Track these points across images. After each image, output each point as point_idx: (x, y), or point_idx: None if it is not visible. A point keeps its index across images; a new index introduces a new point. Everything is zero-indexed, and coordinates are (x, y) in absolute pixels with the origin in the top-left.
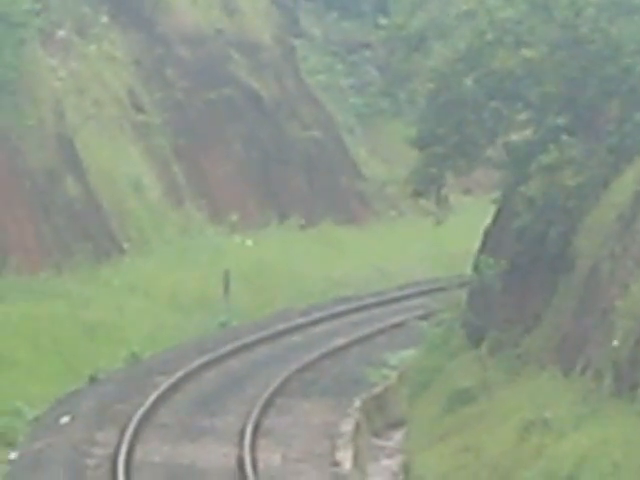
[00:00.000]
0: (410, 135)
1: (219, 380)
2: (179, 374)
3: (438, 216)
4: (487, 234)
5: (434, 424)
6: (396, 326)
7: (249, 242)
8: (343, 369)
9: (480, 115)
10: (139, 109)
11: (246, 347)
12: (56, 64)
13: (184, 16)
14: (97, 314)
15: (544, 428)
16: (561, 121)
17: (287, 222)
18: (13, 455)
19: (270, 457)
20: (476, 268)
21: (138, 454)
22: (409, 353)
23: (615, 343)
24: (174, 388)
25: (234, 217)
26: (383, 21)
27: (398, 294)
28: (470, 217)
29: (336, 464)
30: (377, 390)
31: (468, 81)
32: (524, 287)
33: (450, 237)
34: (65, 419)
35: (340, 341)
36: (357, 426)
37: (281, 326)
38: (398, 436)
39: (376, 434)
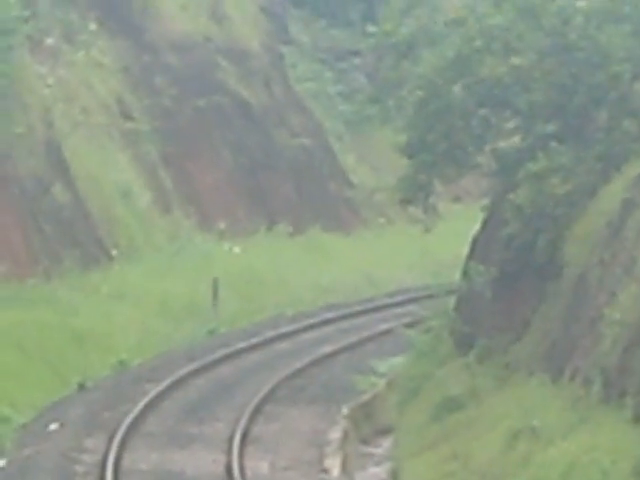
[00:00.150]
0: (399, 142)
1: (208, 387)
2: (168, 381)
3: (427, 223)
4: (475, 242)
5: (422, 431)
6: (385, 333)
7: (236, 249)
8: (332, 376)
9: (469, 122)
10: (127, 116)
11: (235, 354)
12: (45, 71)
13: (172, 23)
14: (85, 321)
15: (532, 435)
16: (550, 128)
17: (276, 229)
18: (1, 462)
19: (258, 464)
20: (465, 275)
21: (126, 461)
22: (397, 360)
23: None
24: (163, 395)
25: (222, 224)
26: (372, 28)
27: (387, 301)
28: (459, 224)
29: (324, 471)
30: (365, 397)
31: (457, 88)
32: (512, 295)
33: (439, 245)
34: (54, 426)
35: (329, 348)
36: (345, 433)
37: (270, 333)
38: (386, 443)
39: (364, 441)
